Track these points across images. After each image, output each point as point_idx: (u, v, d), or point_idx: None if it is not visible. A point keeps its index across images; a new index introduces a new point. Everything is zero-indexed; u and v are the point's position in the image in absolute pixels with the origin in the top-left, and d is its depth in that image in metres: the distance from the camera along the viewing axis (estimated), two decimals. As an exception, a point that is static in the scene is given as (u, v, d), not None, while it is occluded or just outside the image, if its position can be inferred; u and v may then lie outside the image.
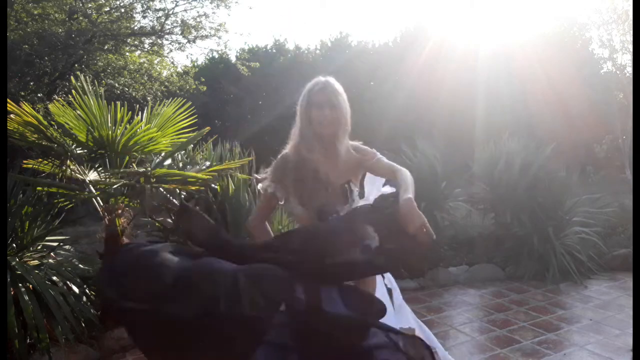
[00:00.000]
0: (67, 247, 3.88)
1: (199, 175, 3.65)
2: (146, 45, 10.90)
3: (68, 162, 3.75)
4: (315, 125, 2.04)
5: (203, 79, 11.94)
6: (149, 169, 3.73)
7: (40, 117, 3.62)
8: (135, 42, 10.70)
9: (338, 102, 2.05)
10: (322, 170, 2.05)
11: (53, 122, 3.86)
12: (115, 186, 3.61)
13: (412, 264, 2.28)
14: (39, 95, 8.59)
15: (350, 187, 2.08)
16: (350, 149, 2.15)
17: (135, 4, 10.43)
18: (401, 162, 5.91)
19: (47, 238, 3.72)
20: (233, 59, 15.21)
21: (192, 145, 4.41)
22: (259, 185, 2.19)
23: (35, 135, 3.62)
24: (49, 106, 4.03)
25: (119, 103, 3.82)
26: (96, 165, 3.93)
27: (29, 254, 3.55)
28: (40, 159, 3.90)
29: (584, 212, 5.69)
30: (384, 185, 2.25)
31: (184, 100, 4.07)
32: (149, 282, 1.55)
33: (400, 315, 2.31)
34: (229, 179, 4.21)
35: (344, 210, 2.01)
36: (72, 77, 4.11)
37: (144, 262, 1.61)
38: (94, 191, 3.76)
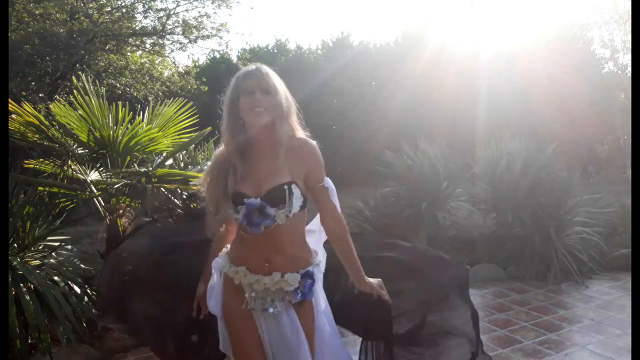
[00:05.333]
0: (68, 247, 3.88)
1: (200, 175, 3.65)
2: (147, 45, 10.92)
3: (69, 162, 3.75)
4: (246, 114, 1.74)
5: (204, 79, 11.96)
6: (151, 169, 3.74)
7: (42, 117, 3.63)
8: (137, 42, 10.72)
9: (269, 85, 1.74)
10: (251, 169, 1.78)
11: (54, 122, 3.86)
12: (116, 186, 3.61)
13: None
14: (40, 95, 8.61)
15: (290, 188, 1.75)
16: (297, 142, 1.80)
17: (137, 4, 10.45)
18: (403, 162, 5.95)
19: (48, 238, 3.72)
20: (234, 59, 15.23)
21: (193, 145, 4.41)
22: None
23: (37, 135, 3.63)
24: (51, 106, 4.03)
25: (120, 103, 3.83)
26: (97, 165, 3.94)
27: (30, 254, 3.56)
28: (42, 159, 3.90)
29: (585, 212, 5.68)
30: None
31: (185, 101, 4.07)
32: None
33: None
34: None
35: (277, 212, 1.74)
36: (73, 77, 4.11)
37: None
38: (95, 191, 3.76)
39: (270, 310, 1.76)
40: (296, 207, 1.75)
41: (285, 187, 1.73)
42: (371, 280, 1.87)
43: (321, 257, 1.92)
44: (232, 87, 1.76)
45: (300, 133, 1.84)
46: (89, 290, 3.63)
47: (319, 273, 1.87)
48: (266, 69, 1.78)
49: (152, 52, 11.08)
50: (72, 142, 3.80)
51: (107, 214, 3.82)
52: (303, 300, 1.78)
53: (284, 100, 1.76)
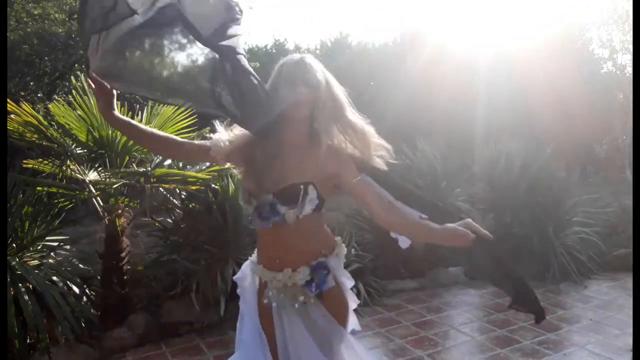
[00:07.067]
0: (67, 247, 3.88)
1: (199, 175, 3.66)
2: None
3: (68, 162, 3.75)
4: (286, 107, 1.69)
5: (203, 79, 11.94)
6: (149, 168, 3.73)
7: (40, 117, 3.63)
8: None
9: (312, 79, 1.70)
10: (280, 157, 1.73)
11: (53, 122, 3.86)
12: (115, 186, 3.61)
13: None
14: (39, 95, 8.58)
15: (306, 189, 1.70)
16: (335, 150, 1.74)
17: (135, 4, 10.43)
18: (401, 162, 5.93)
19: (47, 238, 3.71)
20: (233, 59, 15.20)
21: (192, 145, 4.40)
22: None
23: (36, 135, 3.62)
24: (50, 106, 4.02)
25: (119, 103, 3.81)
26: (96, 165, 3.93)
27: (29, 254, 3.55)
28: (40, 159, 3.90)
29: (584, 212, 5.68)
30: None
31: (183, 100, 4.05)
32: None
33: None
34: (229, 179, 4.22)
35: (287, 211, 1.71)
36: (72, 77, 4.11)
37: None
38: (94, 191, 3.76)
39: (296, 305, 1.73)
40: (308, 210, 1.71)
41: (302, 187, 1.69)
42: (452, 225, 1.74)
43: (343, 248, 1.87)
44: (276, 74, 1.72)
45: (341, 143, 1.78)
46: (87, 290, 3.63)
47: (338, 262, 1.83)
48: (311, 60, 1.74)
49: (150, 52, 11.07)
50: (70, 142, 3.80)
51: (106, 214, 3.82)
52: (322, 291, 1.74)
53: (326, 97, 1.72)
